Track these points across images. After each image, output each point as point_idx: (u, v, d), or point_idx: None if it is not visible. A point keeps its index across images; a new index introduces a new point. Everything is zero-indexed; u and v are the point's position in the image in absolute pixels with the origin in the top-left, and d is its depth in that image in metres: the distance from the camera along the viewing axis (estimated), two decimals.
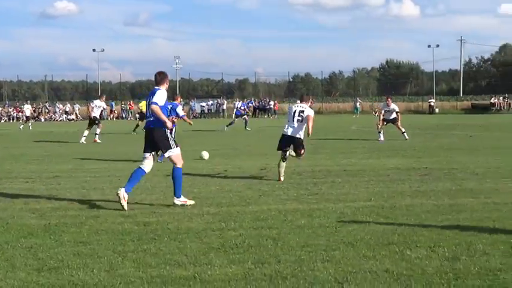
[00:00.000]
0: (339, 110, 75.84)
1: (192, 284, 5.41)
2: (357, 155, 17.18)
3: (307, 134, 12.45)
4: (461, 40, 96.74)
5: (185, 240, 7.09)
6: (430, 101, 76.15)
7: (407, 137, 22.74)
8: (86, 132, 25.06)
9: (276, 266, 5.94)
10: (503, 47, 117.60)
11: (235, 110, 39.39)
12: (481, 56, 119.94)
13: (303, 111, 12.47)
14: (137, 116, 40.58)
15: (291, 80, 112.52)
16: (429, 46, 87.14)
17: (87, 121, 26.54)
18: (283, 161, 12.34)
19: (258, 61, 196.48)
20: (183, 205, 9.24)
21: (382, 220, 8.08)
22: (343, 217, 8.31)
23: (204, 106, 69.82)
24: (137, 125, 31.67)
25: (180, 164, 9.43)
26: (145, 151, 9.42)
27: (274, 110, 67.94)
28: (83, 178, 12.81)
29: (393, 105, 23.75)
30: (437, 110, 70.96)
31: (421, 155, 17.02)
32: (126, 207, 8.87)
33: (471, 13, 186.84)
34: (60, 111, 67.90)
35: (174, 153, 9.36)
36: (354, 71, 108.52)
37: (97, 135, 25.34)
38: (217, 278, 5.57)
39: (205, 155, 16.71)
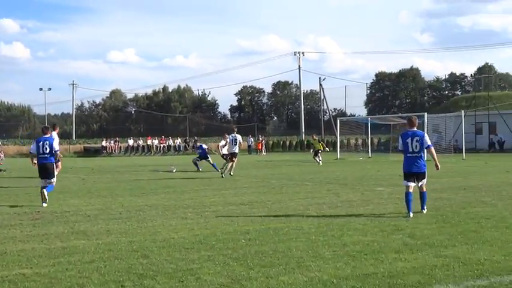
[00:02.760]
0: None
1: None
2: None
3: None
4: (73, 84, 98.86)
5: None
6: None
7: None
8: None
9: None
10: (113, 92, 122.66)
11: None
12: (93, 100, 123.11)
13: (236, 138, 25.59)
14: None
15: None
16: (41, 89, 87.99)
17: None
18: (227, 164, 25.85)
19: None
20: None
21: None
22: None
23: None
24: None
25: None
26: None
27: None
28: None
29: None
30: None
31: (33, 198, 16.76)
32: None
33: (83, 58, 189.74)
34: None
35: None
36: None
37: None
38: None
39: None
